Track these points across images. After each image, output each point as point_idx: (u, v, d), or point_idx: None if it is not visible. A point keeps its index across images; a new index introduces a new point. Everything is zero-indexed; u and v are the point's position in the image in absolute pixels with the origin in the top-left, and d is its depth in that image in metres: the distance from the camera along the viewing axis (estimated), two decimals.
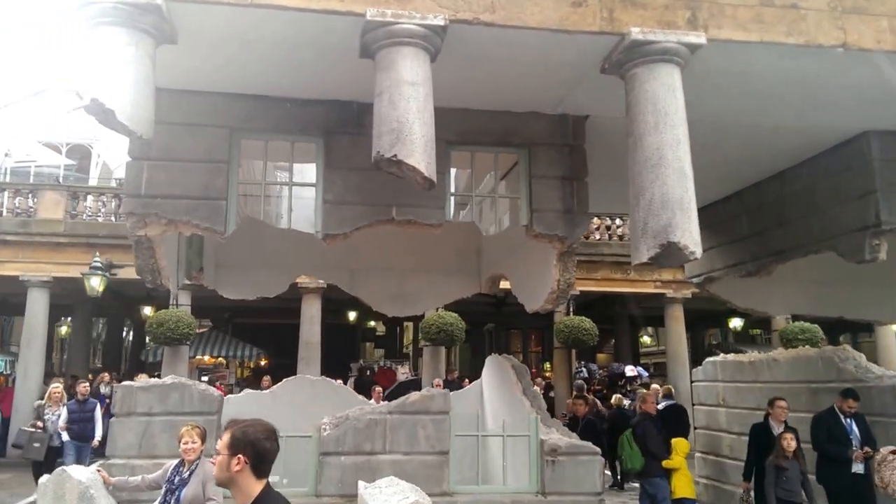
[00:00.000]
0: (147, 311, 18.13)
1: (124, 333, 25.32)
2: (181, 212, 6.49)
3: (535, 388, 9.02)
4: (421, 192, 6.80)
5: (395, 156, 5.22)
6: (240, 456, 2.42)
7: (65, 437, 11.02)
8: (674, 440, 9.55)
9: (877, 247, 7.63)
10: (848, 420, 7.35)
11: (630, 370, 17.06)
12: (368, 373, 17.15)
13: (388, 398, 11.56)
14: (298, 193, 7.20)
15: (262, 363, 19.82)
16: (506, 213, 8.17)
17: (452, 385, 13.48)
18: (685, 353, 16.86)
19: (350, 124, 6.92)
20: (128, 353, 24.81)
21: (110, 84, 4.95)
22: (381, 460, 6.46)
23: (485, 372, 9.95)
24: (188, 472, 4.88)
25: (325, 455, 6.42)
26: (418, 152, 5.27)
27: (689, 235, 5.47)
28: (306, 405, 8.65)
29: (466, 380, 15.10)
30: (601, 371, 16.67)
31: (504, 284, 11.58)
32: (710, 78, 6.33)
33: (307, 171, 7.38)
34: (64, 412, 11.19)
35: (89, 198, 16.32)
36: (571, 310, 16.00)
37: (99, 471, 5.37)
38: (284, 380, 10.01)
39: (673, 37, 5.68)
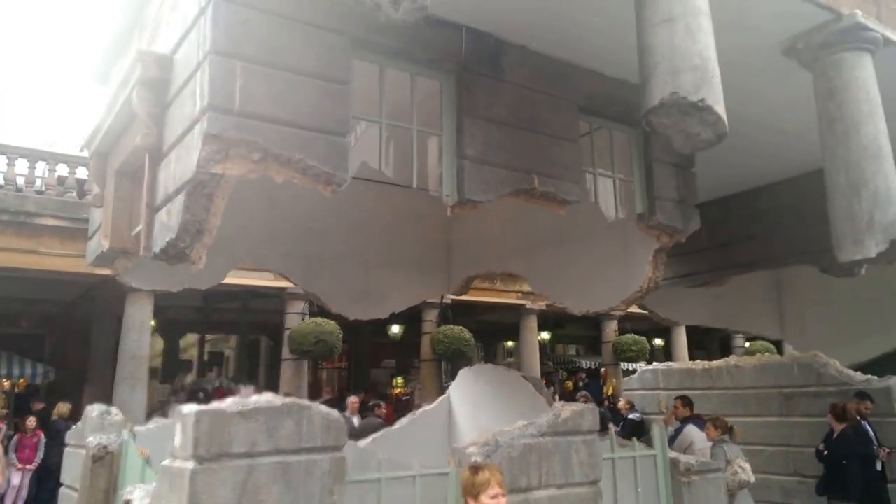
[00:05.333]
0: None
1: None
2: (291, 145, 4.35)
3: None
4: (557, 161, 5.66)
5: (703, 100, 4.08)
6: None
7: None
8: None
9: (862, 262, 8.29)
10: (863, 421, 7.77)
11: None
12: (201, 395, 14.00)
13: None
14: None
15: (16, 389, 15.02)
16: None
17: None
18: (537, 363, 17.04)
19: (486, 63, 5.40)
20: None
21: None
22: (538, 498, 4.97)
23: (459, 388, 8.65)
24: None
25: None
26: (722, 100, 4.19)
27: None
28: None
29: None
30: None
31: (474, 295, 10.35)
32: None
33: None
34: None
35: None
36: (443, 320, 15.06)
37: None
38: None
39: (879, 28, 5.43)
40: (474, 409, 8.32)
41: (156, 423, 6.99)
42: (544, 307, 16.96)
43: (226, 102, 4.17)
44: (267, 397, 4.31)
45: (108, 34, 6.61)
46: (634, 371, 20.02)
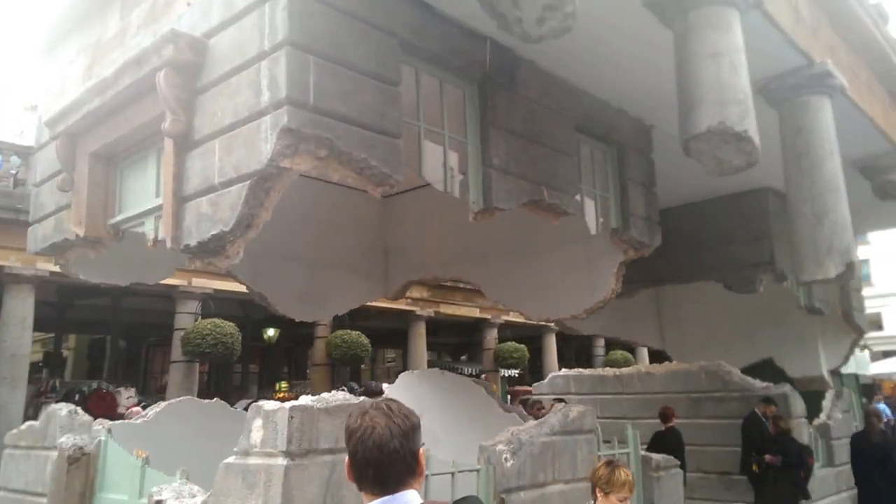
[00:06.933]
0: None
1: None
2: (357, 144, 4.23)
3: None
4: (559, 174, 5.94)
5: (746, 131, 4.51)
6: None
7: None
8: None
9: (762, 281, 9.37)
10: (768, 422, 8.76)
11: (387, 387, 16.41)
12: (77, 397, 12.53)
13: None
14: None
15: None
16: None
17: None
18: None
19: (504, 75, 5.53)
20: None
21: None
22: (552, 492, 5.21)
23: (399, 392, 8.60)
24: None
25: (508, 492, 4.85)
26: (758, 133, 4.65)
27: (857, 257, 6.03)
28: (198, 438, 6.30)
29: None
30: (359, 388, 15.65)
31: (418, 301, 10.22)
32: None
33: None
34: None
35: None
36: (337, 324, 14.66)
37: None
38: (164, 404, 6.98)
39: (840, 75, 6.20)
40: (419, 412, 8.31)
41: (28, 424, 6.40)
42: (433, 314, 17.17)
43: (302, 97, 3.98)
44: (342, 395, 4.21)
45: (65, 4, 5.92)
46: (510, 377, 20.95)
